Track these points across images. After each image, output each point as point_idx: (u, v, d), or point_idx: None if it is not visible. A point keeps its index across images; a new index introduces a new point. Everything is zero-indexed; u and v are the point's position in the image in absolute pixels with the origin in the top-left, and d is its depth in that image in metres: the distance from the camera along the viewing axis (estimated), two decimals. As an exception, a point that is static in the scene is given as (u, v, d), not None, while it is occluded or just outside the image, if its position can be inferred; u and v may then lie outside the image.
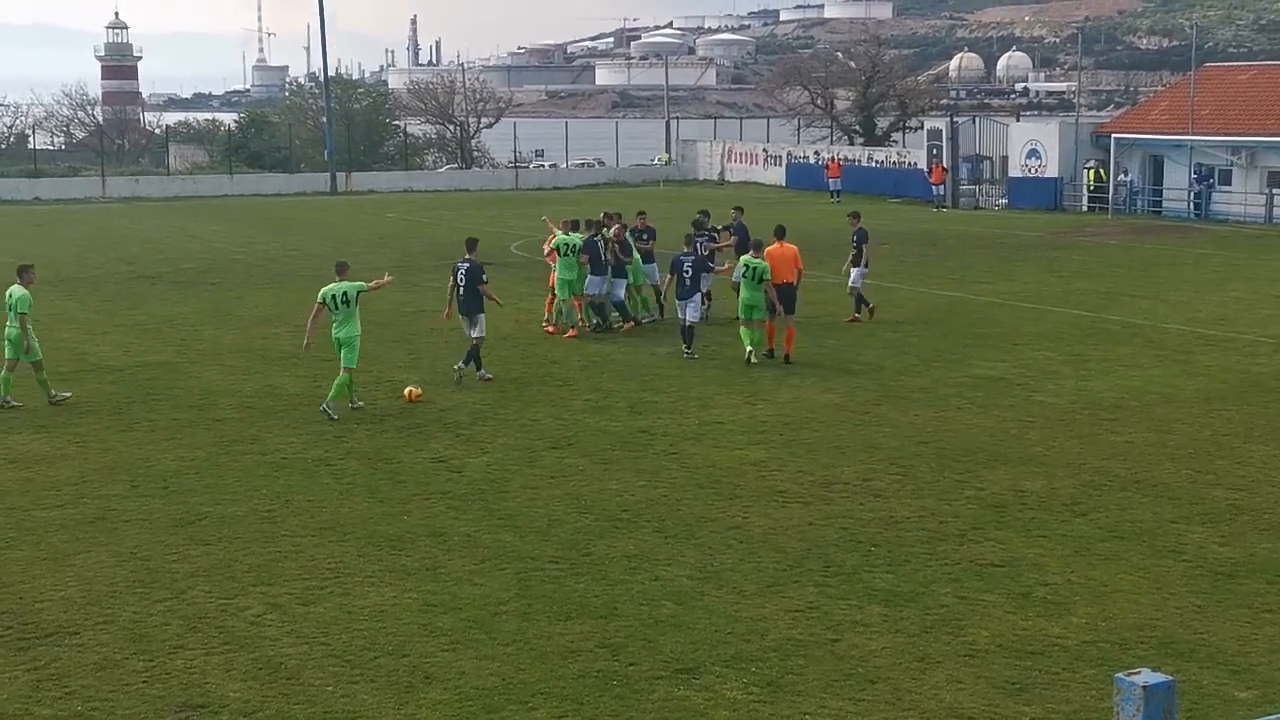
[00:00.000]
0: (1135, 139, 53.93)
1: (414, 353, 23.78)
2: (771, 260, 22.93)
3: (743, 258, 23.21)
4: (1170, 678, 6.19)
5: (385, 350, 23.98)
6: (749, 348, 22.58)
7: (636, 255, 26.32)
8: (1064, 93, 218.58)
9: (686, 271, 23.36)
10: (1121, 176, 53.80)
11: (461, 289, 21.17)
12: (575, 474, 16.08)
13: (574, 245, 24.99)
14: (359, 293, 19.09)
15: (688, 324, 23.30)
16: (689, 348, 23.25)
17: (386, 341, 24.81)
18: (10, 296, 19.58)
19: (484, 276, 21.28)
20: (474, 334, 21.23)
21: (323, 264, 37.17)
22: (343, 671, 10.53)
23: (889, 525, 14.07)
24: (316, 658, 10.79)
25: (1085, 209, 54.62)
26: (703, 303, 24.38)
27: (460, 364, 21.28)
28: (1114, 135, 54.95)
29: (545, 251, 26.68)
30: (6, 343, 19.74)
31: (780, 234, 23.96)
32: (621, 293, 26.05)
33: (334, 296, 18.89)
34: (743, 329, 22.88)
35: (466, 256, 21.46)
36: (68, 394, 20.01)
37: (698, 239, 26.09)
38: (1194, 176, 52.02)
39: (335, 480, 15.86)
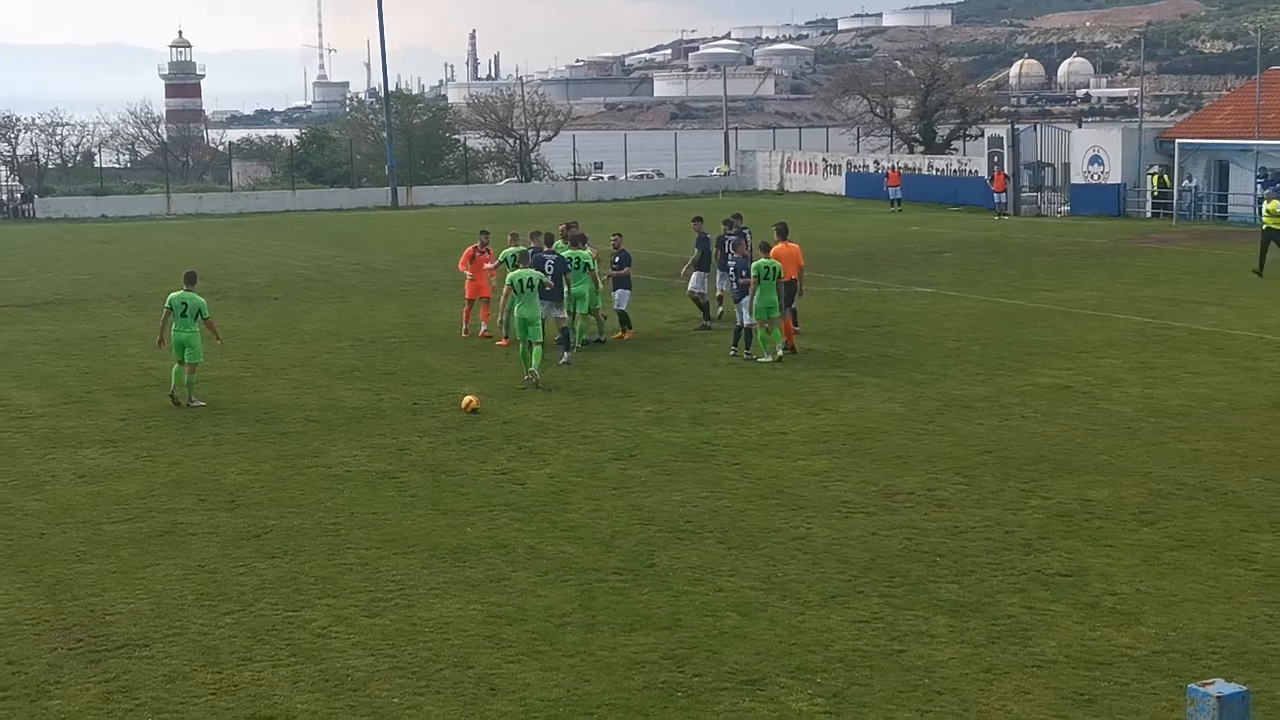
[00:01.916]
0: (1199, 144, 53.37)
1: (474, 365, 23.90)
2: (778, 258, 23.96)
3: (756, 262, 23.65)
4: (1245, 688, 6.11)
5: (445, 363, 24.16)
6: (780, 350, 23.39)
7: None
8: (1126, 98, 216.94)
9: (733, 273, 23.84)
10: (1186, 182, 53.24)
11: (549, 281, 22.86)
12: (638, 485, 16.08)
13: (511, 259, 25.61)
14: (540, 282, 22.07)
15: (743, 325, 23.90)
16: (747, 347, 23.73)
17: (447, 354, 25.00)
18: (183, 302, 20.92)
19: (568, 268, 23.80)
20: (557, 314, 23.28)
21: (384, 278, 37.52)
22: (408, 683, 10.57)
23: (953, 535, 13.98)
24: (382, 670, 10.84)
25: (1149, 215, 54.09)
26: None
27: (566, 354, 23.49)
28: (1178, 140, 54.38)
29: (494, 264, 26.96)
30: (178, 347, 20.86)
31: (783, 233, 25.11)
32: (624, 305, 26.54)
33: (521, 280, 21.87)
34: (759, 332, 23.59)
35: (549, 250, 23.83)
36: (203, 402, 20.99)
37: (729, 238, 26.69)
38: (1259, 181, 51.37)
39: (399, 493, 15.95)
